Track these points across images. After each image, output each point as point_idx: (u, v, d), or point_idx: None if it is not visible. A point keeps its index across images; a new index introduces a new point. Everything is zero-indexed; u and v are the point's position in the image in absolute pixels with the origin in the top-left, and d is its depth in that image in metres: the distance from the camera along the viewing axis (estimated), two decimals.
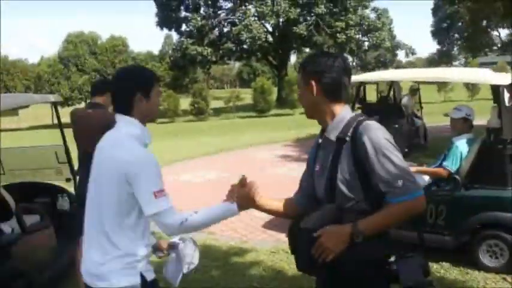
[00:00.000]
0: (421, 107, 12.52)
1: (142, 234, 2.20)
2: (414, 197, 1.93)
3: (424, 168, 5.24)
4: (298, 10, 33.47)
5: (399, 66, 69.44)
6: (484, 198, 4.76)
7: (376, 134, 1.95)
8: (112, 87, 2.35)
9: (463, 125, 5.02)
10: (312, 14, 34.95)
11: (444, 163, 4.97)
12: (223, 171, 10.65)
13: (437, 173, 5.03)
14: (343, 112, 2.07)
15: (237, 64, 71.77)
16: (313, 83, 2.04)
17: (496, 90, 4.79)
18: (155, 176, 2.12)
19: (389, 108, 11.41)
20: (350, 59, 43.15)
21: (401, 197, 1.91)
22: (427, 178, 5.08)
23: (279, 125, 21.79)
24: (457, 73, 5.38)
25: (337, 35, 34.46)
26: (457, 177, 4.86)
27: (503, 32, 50.29)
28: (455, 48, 68.01)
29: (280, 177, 9.64)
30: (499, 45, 53.93)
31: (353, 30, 35.08)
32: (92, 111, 4.38)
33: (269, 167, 11.02)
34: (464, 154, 4.91)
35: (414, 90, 12.45)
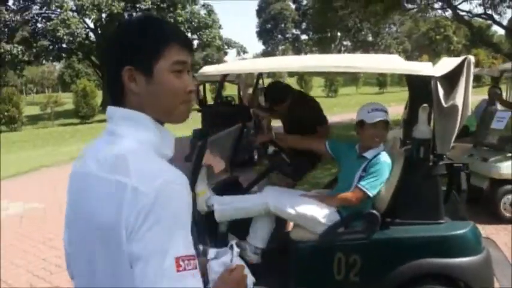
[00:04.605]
0: None
1: None
2: None
3: (329, 196, 3.65)
4: (123, 4, 30.77)
5: None
6: (410, 239, 3.33)
7: None
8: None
9: (385, 132, 3.54)
10: (138, 9, 32.49)
11: (361, 183, 3.41)
12: (36, 199, 8.19)
13: (348, 199, 3.47)
14: None
15: (59, 66, 65.68)
16: None
17: (416, 84, 3.41)
18: (182, 222, 1.13)
19: (233, 110, 10.03)
20: None
21: None
22: (327, 212, 3.48)
23: None
24: (367, 62, 3.82)
25: None
26: (374, 212, 3.35)
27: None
28: (279, 48, 70.65)
29: None
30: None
31: (182, 27, 33.42)
32: None
33: None
34: (387, 174, 3.42)
35: (260, 90, 11.46)
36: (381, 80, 30.99)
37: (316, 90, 30.37)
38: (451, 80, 3.22)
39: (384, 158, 3.42)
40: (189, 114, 1.33)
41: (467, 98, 3.18)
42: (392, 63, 3.57)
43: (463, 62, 3.20)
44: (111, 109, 1.28)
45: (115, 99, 1.28)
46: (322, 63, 3.75)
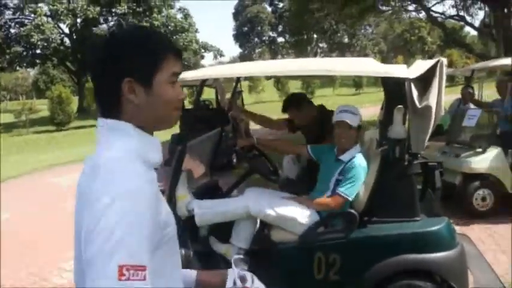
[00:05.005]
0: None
1: None
2: None
3: (307, 199, 3.71)
4: (98, 9, 30.45)
5: None
6: (387, 237, 3.41)
7: None
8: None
9: (357, 134, 3.64)
10: (114, 14, 32.26)
11: (340, 189, 3.50)
12: (5, 209, 8.04)
13: (328, 204, 3.56)
14: None
15: (33, 72, 64.68)
16: None
17: (391, 86, 3.50)
18: (136, 231, 1.09)
19: (211, 114, 10.06)
20: None
21: None
22: (307, 213, 3.55)
23: (82, 139, 19.07)
24: (343, 65, 3.90)
25: None
26: (352, 211, 3.43)
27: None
28: (256, 51, 70.85)
29: None
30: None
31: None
32: None
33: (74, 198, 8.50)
34: (363, 177, 3.51)
35: (238, 93, 11.50)
36: (357, 81, 31.33)
37: (294, 91, 30.57)
38: (424, 81, 3.31)
39: (359, 161, 3.52)
40: (178, 119, 1.38)
41: (441, 98, 3.28)
42: (368, 66, 3.66)
43: (436, 64, 3.30)
44: (100, 120, 1.30)
45: (108, 110, 1.29)
46: (299, 67, 3.83)
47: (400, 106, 3.28)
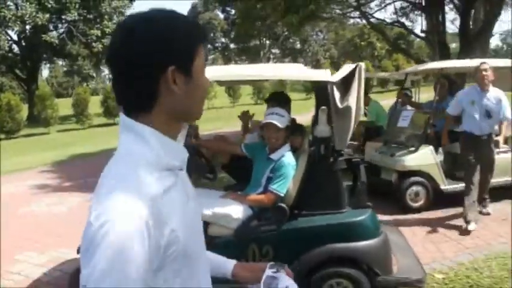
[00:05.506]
0: None
1: None
2: None
3: (241, 196, 3.94)
4: (47, 16, 29.78)
5: None
6: (315, 228, 3.70)
7: None
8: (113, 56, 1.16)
9: (286, 134, 3.89)
10: (64, 21, 31.69)
11: (272, 186, 3.74)
12: None
13: (262, 201, 3.80)
14: None
15: None
16: None
17: (320, 89, 3.79)
18: (118, 267, 0.98)
19: None
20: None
21: None
22: (241, 208, 3.79)
23: (31, 147, 18.78)
24: (274, 70, 4.18)
25: (93, 44, 31.60)
26: (282, 205, 3.69)
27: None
28: (209, 58, 70.89)
29: (37, 218, 7.46)
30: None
31: (109, 39, 32.86)
32: None
33: (21, 204, 8.51)
34: (293, 174, 3.78)
35: None
36: (307, 86, 31.89)
37: (245, 98, 30.82)
38: (346, 84, 3.63)
39: (288, 159, 3.78)
40: None
41: (360, 99, 3.61)
42: (296, 71, 3.95)
43: (355, 68, 3.62)
44: (122, 119, 1.19)
45: (140, 103, 1.16)
46: (232, 73, 4.08)
47: (323, 107, 3.57)
